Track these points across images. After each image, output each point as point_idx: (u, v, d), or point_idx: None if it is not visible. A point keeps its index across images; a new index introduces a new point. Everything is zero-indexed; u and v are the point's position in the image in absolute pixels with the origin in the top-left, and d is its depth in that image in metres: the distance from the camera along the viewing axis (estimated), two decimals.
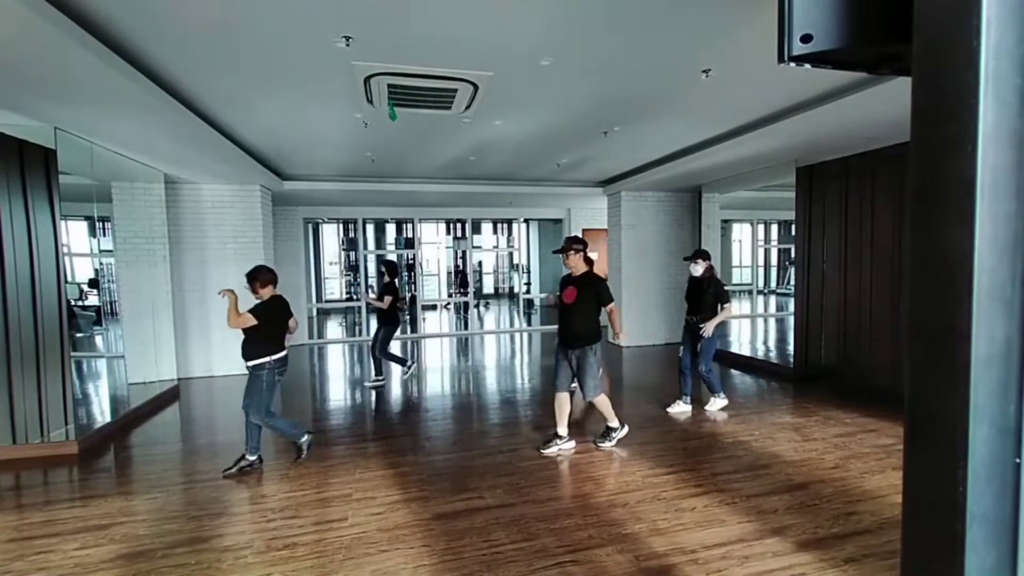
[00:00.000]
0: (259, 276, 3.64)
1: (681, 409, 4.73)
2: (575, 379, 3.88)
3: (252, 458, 3.58)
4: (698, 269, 4.68)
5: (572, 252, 3.82)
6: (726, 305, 4.58)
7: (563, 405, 3.86)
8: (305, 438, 3.75)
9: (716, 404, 4.77)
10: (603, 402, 3.89)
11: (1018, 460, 0.66)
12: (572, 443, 3.88)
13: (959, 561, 0.68)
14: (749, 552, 2.48)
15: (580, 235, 10.25)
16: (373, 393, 5.75)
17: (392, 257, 14.43)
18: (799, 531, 2.67)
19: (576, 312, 3.78)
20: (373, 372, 6.04)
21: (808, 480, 3.26)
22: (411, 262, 13.23)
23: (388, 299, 5.72)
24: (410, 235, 11.47)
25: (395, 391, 5.89)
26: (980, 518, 0.67)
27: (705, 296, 4.63)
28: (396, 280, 5.92)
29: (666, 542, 2.58)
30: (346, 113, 4.38)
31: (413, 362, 6.04)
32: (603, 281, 3.89)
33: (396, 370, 6.58)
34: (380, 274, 6.18)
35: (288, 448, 3.99)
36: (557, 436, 3.85)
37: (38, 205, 3.96)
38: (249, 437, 3.58)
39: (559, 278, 4.11)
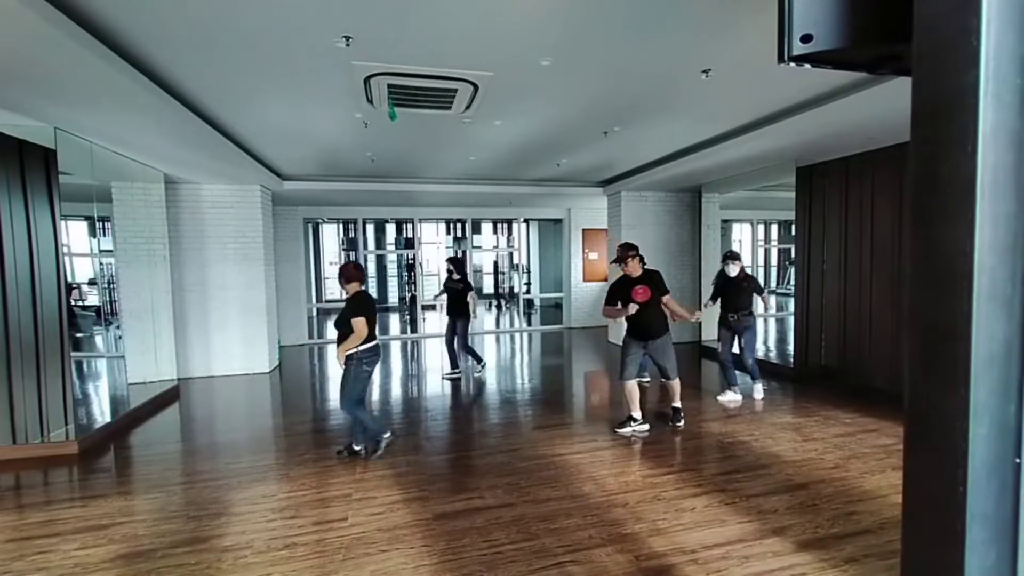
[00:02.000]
0: (343, 273, 3.78)
1: (731, 398, 5.07)
2: (645, 369, 4.39)
3: (380, 440, 3.81)
4: (734, 270, 5.04)
5: (630, 258, 4.18)
6: (764, 295, 5.14)
7: (635, 392, 4.27)
8: (387, 435, 3.84)
9: (760, 391, 5.16)
10: (678, 385, 4.36)
11: (1018, 460, 0.66)
12: (646, 425, 4.25)
13: (959, 561, 0.68)
14: (749, 552, 2.49)
15: (581, 235, 10.31)
16: (475, 380, 6.10)
17: (397, 255, 14.42)
18: (799, 531, 2.67)
19: (652, 307, 4.16)
20: (473, 362, 6.50)
21: (808, 480, 3.26)
22: (411, 262, 13.23)
23: (444, 297, 6.26)
24: (410, 235, 11.47)
25: (394, 391, 5.89)
26: (980, 518, 0.67)
27: (743, 294, 5.01)
28: (464, 275, 6.25)
29: (666, 542, 2.58)
30: (346, 113, 4.38)
31: (459, 371, 6.36)
32: (659, 274, 4.29)
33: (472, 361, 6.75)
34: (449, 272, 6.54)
35: (291, 447, 3.99)
36: (631, 419, 4.23)
37: (38, 205, 3.95)
38: (361, 429, 3.79)
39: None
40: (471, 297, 6.20)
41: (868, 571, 2.35)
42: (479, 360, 6.40)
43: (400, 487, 3.26)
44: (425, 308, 11.71)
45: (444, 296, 6.34)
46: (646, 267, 4.25)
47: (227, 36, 2.90)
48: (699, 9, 2.68)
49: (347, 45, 3.00)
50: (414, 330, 10.60)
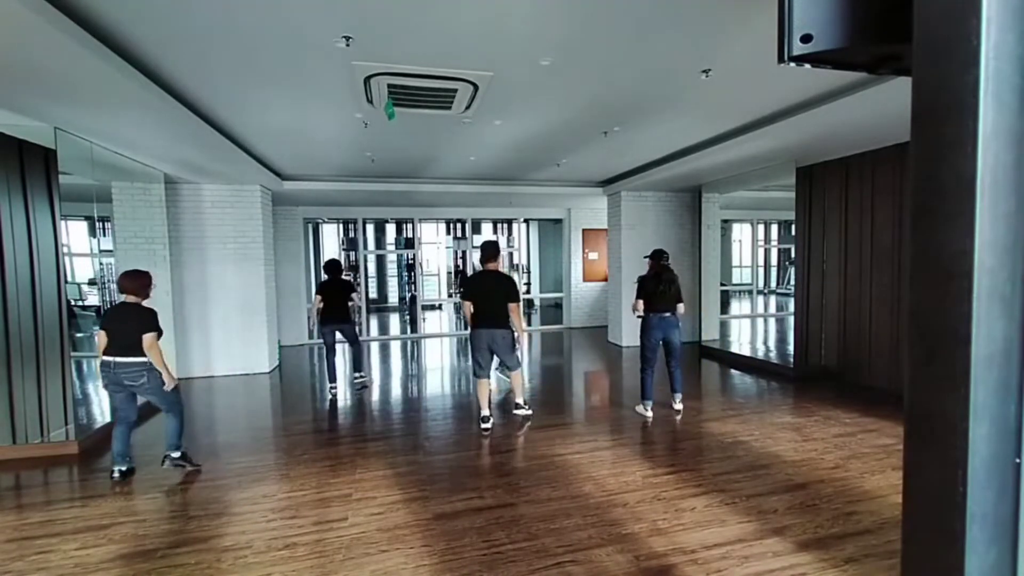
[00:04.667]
0: (118, 282, 3.49)
1: (647, 412, 4.63)
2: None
3: (114, 470, 3.48)
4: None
5: (491, 259, 4.43)
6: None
7: (484, 389, 4.51)
8: (115, 471, 3.47)
9: (646, 408, 4.66)
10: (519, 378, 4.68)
11: (1018, 460, 0.66)
12: (490, 423, 4.41)
13: (959, 561, 0.68)
14: (749, 552, 2.49)
15: (581, 235, 10.31)
16: (365, 393, 5.76)
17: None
18: (799, 531, 2.67)
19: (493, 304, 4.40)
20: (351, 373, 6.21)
21: (808, 480, 3.26)
22: (411, 262, 13.24)
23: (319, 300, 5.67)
24: (410, 235, 11.47)
25: (394, 391, 5.89)
26: (980, 518, 0.67)
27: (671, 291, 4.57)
28: (341, 276, 5.86)
29: (666, 542, 2.58)
30: (346, 113, 4.38)
31: (335, 386, 5.81)
32: (512, 280, 4.54)
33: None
34: None
35: (291, 447, 3.99)
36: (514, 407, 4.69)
37: (38, 205, 3.96)
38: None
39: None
40: (356, 297, 5.80)
41: (868, 571, 2.35)
42: (359, 366, 6.01)
43: (400, 487, 3.26)
44: (425, 308, 11.69)
45: (320, 300, 5.63)
46: (502, 271, 4.53)
47: (227, 36, 2.91)
48: (699, 9, 2.68)
49: (347, 45, 3.00)
50: (414, 330, 10.60)
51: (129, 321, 3.38)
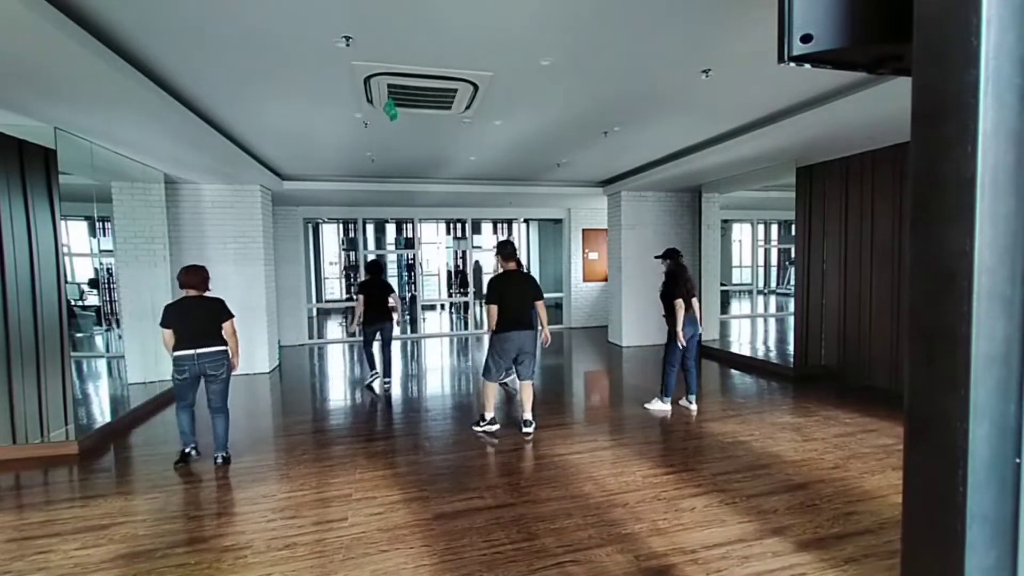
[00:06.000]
0: (178, 278, 3.70)
1: (663, 408, 4.76)
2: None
3: (186, 449, 3.74)
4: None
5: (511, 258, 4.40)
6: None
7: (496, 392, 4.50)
8: (188, 449, 3.73)
9: (658, 405, 4.80)
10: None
11: (1018, 460, 0.66)
12: (497, 425, 4.38)
13: (959, 561, 0.68)
14: (749, 552, 2.48)
15: (581, 235, 10.31)
16: (375, 392, 5.75)
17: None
18: (799, 531, 2.67)
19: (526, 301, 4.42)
20: (376, 371, 6.06)
21: (808, 480, 3.26)
22: (411, 262, 13.24)
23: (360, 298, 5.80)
24: (410, 235, 11.47)
25: (395, 390, 5.89)
26: (980, 518, 0.67)
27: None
28: (384, 278, 5.97)
29: (666, 542, 2.58)
30: (346, 113, 4.38)
31: (376, 373, 5.99)
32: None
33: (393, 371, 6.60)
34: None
35: (291, 447, 3.99)
36: (483, 418, 4.37)
37: (38, 205, 3.96)
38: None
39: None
40: (393, 299, 5.81)
41: (868, 571, 2.34)
42: (387, 372, 5.96)
43: (400, 487, 3.26)
44: (425, 308, 11.67)
45: (360, 299, 5.75)
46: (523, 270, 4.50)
47: (227, 36, 2.91)
48: (699, 9, 2.69)
49: (347, 45, 3.00)
50: (414, 330, 10.59)
51: (201, 313, 3.60)
